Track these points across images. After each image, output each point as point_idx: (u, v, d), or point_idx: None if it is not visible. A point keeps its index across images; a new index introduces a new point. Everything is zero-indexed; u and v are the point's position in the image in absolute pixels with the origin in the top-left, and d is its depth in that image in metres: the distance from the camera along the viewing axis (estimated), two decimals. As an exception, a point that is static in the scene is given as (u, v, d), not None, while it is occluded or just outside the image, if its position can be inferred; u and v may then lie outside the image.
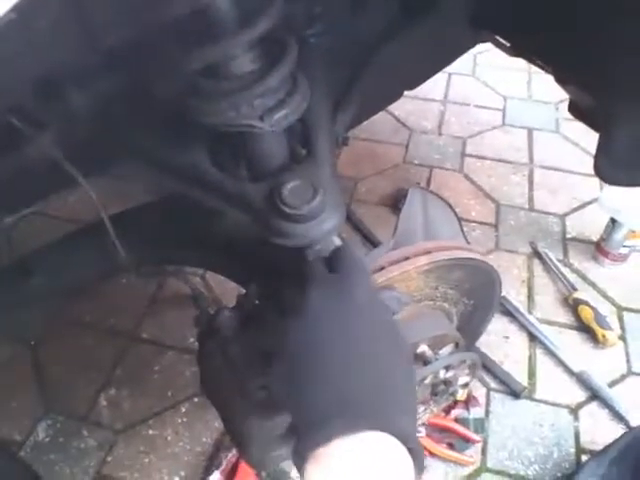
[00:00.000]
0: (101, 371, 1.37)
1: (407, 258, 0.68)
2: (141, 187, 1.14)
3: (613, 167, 1.01)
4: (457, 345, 0.79)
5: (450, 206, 0.85)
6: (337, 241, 0.76)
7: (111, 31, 0.71)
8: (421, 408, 0.85)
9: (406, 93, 1.45)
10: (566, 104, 2.01)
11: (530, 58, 1.17)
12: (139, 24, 0.70)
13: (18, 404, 1.31)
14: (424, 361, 0.74)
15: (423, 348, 0.73)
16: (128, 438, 1.26)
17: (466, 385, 0.83)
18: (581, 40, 0.94)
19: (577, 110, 1.13)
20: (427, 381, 0.75)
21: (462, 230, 0.86)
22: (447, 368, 0.76)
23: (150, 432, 1.26)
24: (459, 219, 0.86)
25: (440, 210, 0.85)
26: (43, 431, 1.28)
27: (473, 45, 1.35)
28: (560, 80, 1.07)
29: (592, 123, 1.09)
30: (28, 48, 0.55)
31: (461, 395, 0.86)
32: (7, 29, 0.41)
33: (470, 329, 0.88)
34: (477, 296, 0.83)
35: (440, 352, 0.77)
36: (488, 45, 1.64)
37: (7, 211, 0.93)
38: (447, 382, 0.80)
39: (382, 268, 0.67)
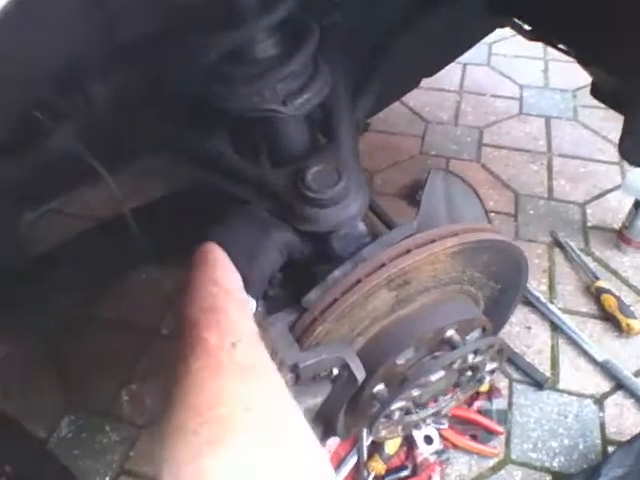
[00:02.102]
0: (122, 367, 1.37)
1: (434, 240, 0.67)
2: (159, 182, 1.14)
3: (638, 148, 0.99)
4: (484, 330, 0.78)
5: (473, 188, 0.84)
6: (362, 226, 0.75)
7: (131, 20, 0.71)
8: (448, 395, 0.84)
9: (421, 84, 1.44)
10: (584, 91, 2.01)
11: (550, 41, 1.14)
12: (159, 11, 0.69)
13: (41, 400, 1.32)
14: (452, 346, 0.73)
15: (451, 332, 0.72)
16: (150, 433, 1.26)
17: (493, 371, 0.82)
18: (606, 21, 0.92)
19: (600, 93, 1.11)
20: (455, 366, 0.74)
21: (486, 213, 0.85)
22: (475, 353, 0.75)
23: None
24: (482, 201, 0.85)
25: (463, 192, 0.84)
26: (66, 427, 1.28)
27: (492, 30, 1.33)
28: (583, 62, 1.05)
29: (615, 105, 1.07)
30: (49, 39, 0.54)
31: (488, 382, 0.85)
32: (27, 20, 0.41)
33: (497, 314, 0.87)
34: (504, 279, 0.81)
35: (467, 337, 0.76)
36: (503, 34, 1.63)
37: (29, 206, 0.94)
38: (475, 368, 0.79)
39: (409, 251, 0.66)
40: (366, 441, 1.16)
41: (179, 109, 0.84)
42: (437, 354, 0.75)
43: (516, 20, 1.20)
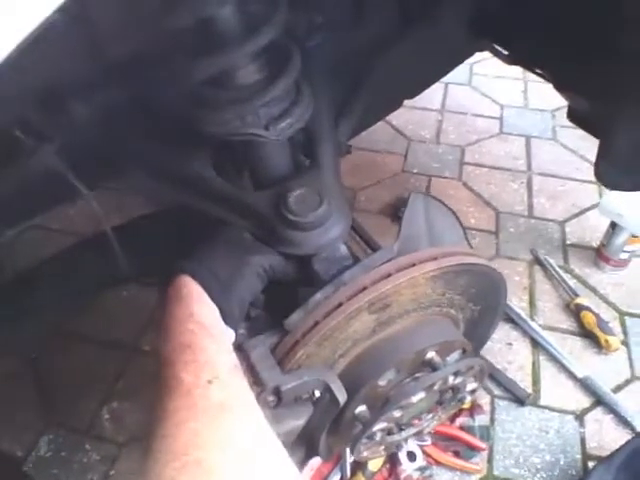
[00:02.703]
0: (103, 384, 1.35)
1: (414, 264, 0.68)
2: (142, 199, 1.14)
3: (614, 172, 1.02)
4: (464, 351, 0.79)
5: (452, 211, 0.86)
6: (343, 249, 0.76)
7: (115, 42, 0.71)
8: (429, 415, 0.85)
9: (404, 103, 1.47)
10: (562, 112, 2.05)
11: (528, 66, 1.17)
12: (144, 35, 0.70)
13: (19, 419, 1.30)
14: (432, 367, 0.74)
15: (431, 354, 0.73)
16: (131, 451, 1.25)
17: (474, 391, 0.83)
18: (581, 47, 0.95)
19: (576, 117, 1.13)
20: (436, 387, 0.75)
21: (465, 236, 0.86)
22: (456, 374, 0.76)
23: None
24: (462, 224, 0.86)
25: (442, 215, 0.85)
26: (45, 445, 1.26)
27: (471, 54, 1.36)
28: (559, 87, 1.08)
29: (591, 129, 1.10)
30: (33, 58, 0.55)
31: (468, 402, 0.85)
32: None
33: (476, 335, 0.88)
34: (483, 301, 0.83)
35: (448, 359, 0.77)
36: (484, 55, 1.66)
37: (9, 224, 0.93)
38: (455, 388, 0.79)
39: (389, 275, 0.67)
40: (349, 459, 1.16)
41: (162, 129, 0.84)
42: (418, 375, 0.76)
43: (495, 45, 1.23)
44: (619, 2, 0.82)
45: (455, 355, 0.78)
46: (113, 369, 1.38)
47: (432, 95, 2.15)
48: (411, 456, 1.20)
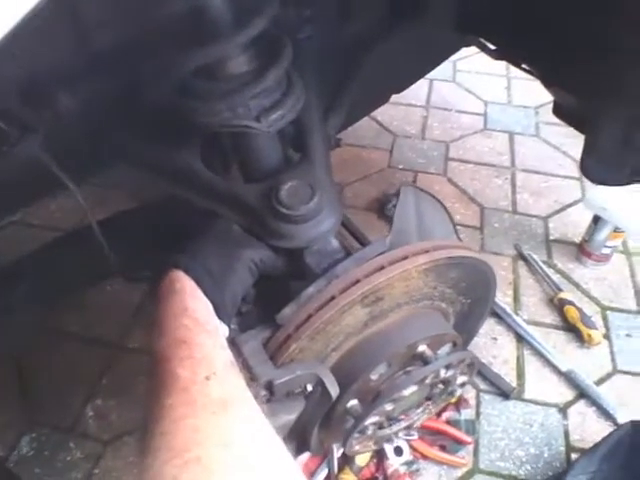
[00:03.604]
0: (87, 382, 1.33)
1: (406, 257, 0.68)
2: (125, 194, 1.13)
3: (599, 167, 1.03)
4: (455, 344, 0.79)
5: (442, 205, 0.86)
6: (335, 242, 0.75)
7: (103, 31, 0.70)
8: (420, 409, 0.85)
9: (389, 99, 1.46)
10: (546, 108, 2.08)
11: (515, 61, 1.18)
12: (132, 24, 0.69)
13: (1, 417, 1.27)
14: (424, 360, 0.74)
15: (423, 348, 0.73)
16: (116, 449, 1.23)
17: (464, 384, 0.83)
18: (566, 42, 0.96)
19: (561, 112, 1.14)
20: (428, 381, 0.75)
21: (455, 229, 0.86)
22: (447, 367, 0.76)
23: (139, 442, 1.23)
24: (452, 217, 0.87)
25: (432, 209, 0.86)
26: (27, 445, 1.24)
27: (458, 49, 1.37)
28: (545, 82, 1.09)
29: (576, 125, 1.11)
30: (17, 47, 0.53)
31: (457, 395, 0.86)
32: None
33: (466, 328, 0.89)
34: (473, 294, 0.83)
35: (438, 352, 0.77)
36: (468, 51, 1.67)
37: (-10, 218, 0.90)
38: (446, 381, 0.80)
39: (382, 267, 0.67)
40: (336, 453, 1.16)
41: (150, 122, 0.83)
42: (409, 369, 0.76)
43: (481, 39, 1.24)
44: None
45: (446, 348, 0.78)
46: (97, 366, 1.36)
47: (417, 91, 2.15)
48: (398, 450, 1.20)
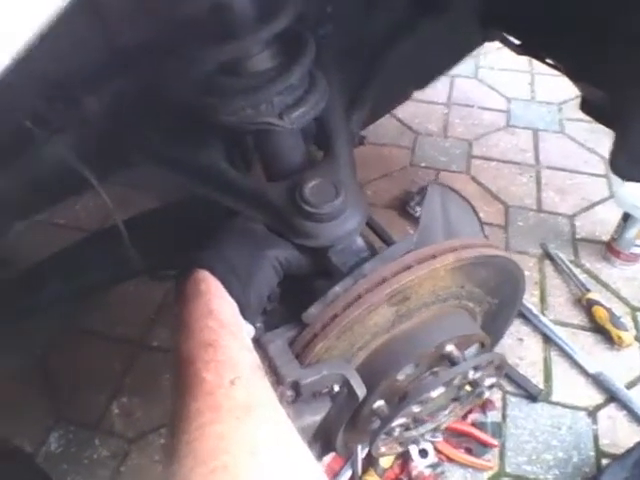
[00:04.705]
0: (112, 380, 1.34)
1: (434, 256, 0.67)
2: (148, 193, 1.13)
3: (630, 163, 1.00)
4: (483, 345, 0.78)
5: (469, 203, 0.84)
6: (360, 241, 0.74)
7: (128, 29, 0.70)
8: (446, 411, 0.83)
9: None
10: (569, 104, 2.04)
11: (540, 56, 1.16)
12: (156, 22, 0.69)
13: (29, 415, 1.29)
14: (451, 361, 0.72)
15: (450, 348, 0.72)
16: (141, 447, 1.24)
17: (492, 386, 0.81)
18: (595, 37, 0.93)
19: (589, 108, 1.12)
20: (455, 382, 0.74)
21: (482, 228, 0.85)
22: (475, 369, 0.74)
23: (162, 441, 1.24)
24: (479, 216, 0.85)
25: (459, 207, 0.84)
26: (55, 441, 1.25)
27: (481, 43, 1.34)
28: (573, 77, 1.06)
29: (605, 121, 1.08)
30: (42, 52, 0.53)
31: (486, 396, 0.84)
32: None
33: (493, 329, 0.87)
34: (501, 294, 0.81)
35: (466, 352, 0.76)
36: (489, 47, 1.65)
37: (18, 217, 0.92)
38: (474, 383, 0.78)
39: (410, 266, 0.65)
40: (361, 455, 1.15)
41: (173, 120, 0.83)
42: (436, 369, 0.74)
43: (505, 34, 1.21)
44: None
45: (473, 349, 0.77)
46: (121, 364, 1.37)
47: (438, 88, 2.13)
48: (423, 453, 1.18)
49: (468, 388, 0.79)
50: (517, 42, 1.19)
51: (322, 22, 0.90)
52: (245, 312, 0.63)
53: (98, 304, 1.44)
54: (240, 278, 0.65)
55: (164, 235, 0.96)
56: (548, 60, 1.14)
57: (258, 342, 0.65)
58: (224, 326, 0.57)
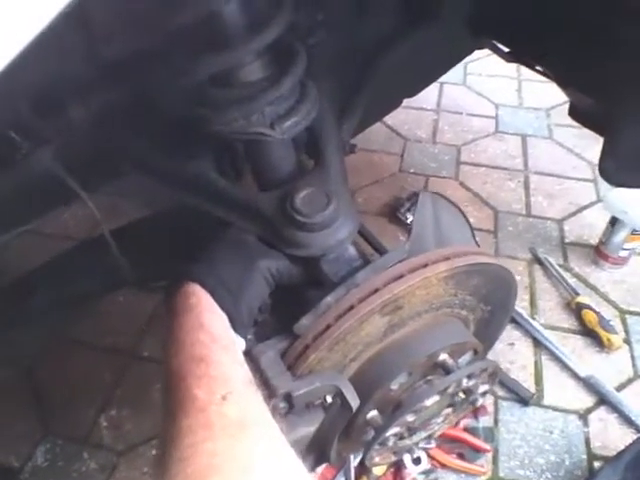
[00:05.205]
0: (101, 391, 1.33)
1: (426, 265, 0.67)
2: (137, 203, 1.12)
3: (618, 169, 1.01)
4: (476, 352, 0.78)
5: (460, 210, 0.84)
6: (352, 250, 0.74)
7: (114, 41, 0.69)
8: (440, 418, 0.83)
9: (400, 103, 1.45)
10: (557, 110, 2.06)
11: (529, 63, 1.17)
12: (144, 33, 0.68)
13: (15, 428, 1.27)
14: (445, 369, 0.72)
15: (444, 356, 0.72)
16: (130, 459, 1.22)
17: (485, 393, 0.81)
18: (583, 43, 0.94)
19: (578, 114, 1.13)
20: (449, 390, 0.74)
21: (473, 235, 0.85)
22: (469, 376, 0.74)
23: (153, 452, 1.22)
24: (470, 223, 0.85)
25: (451, 215, 0.84)
26: (42, 455, 1.23)
27: (471, 51, 1.35)
28: (562, 83, 1.07)
29: (594, 126, 1.09)
30: (28, 60, 0.52)
31: (480, 403, 0.84)
32: None
33: (486, 336, 0.87)
34: (494, 302, 0.81)
35: (459, 361, 0.76)
36: (478, 54, 1.66)
37: (4, 228, 0.90)
38: (467, 391, 0.78)
39: (402, 276, 0.65)
40: (353, 463, 1.14)
41: (163, 131, 0.82)
42: (430, 378, 0.74)
43: (494, 42, 1.22)
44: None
45: (466, 357, 0.77)
46: (111, 376, 1.36)
47: (427, 95, 2.14)
48: (416, 460, 1.18)
49: (462, 395, 0.79)
50: (506, 50, 1.20)
51: (313, 30, 0.90)
52: (236, 325, 0.62)
53: (88, 314, 1.42)
54: (231, 290, 0.64)
55: (153, 244, 0.95)
56: (537, 67, 1.15)
57: (249, 354, 0.65)
58: (215, 340, 0.57)
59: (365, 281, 0.66)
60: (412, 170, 1.90)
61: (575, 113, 1.14)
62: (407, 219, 1.67)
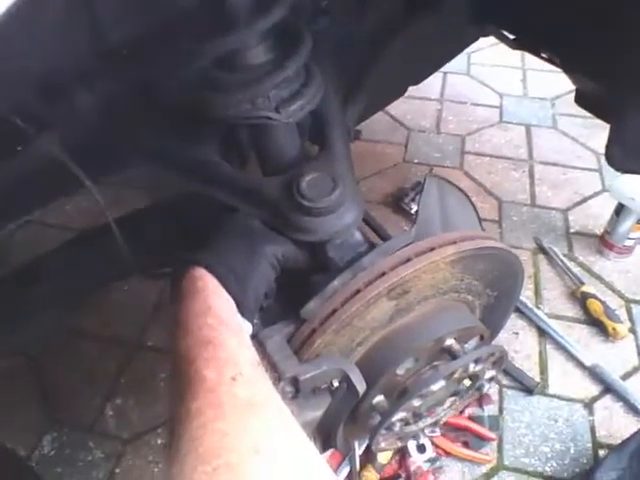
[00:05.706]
0: (106, 380, 1.33)
1: (433, 249, 0.66)
2: (141, 192, 1.12)
3: (625, 155, 1.01)
4: (482, 338, 0.77)
5: (467, 195, 0.84)
6: (358, 235, 0.74)
7: (120, 24, 0.69)
8: (446, 404, 0.83)
9: (402, 92, 1.44)
10: (562, 100, 2.05)
11: (535, 50, 1.15)
12: (149, 16, 0.68)
13: (22, 418, 1.27)
14: (451, 354, 0.72)
15: (450, 341, 0.72)
16: (136, 448, 1.23)
17: (492, 379, 0.81)
18: (591, 28, 0.93)
19: (584, 101, 1.12)
20: (456, 375, 0.73)
21: (480, 220, 0.84)
22: (476, 362, 0.74)
23: (159, 441, 1.23)
24: (476, 208, 0.85)
25: (457, 200, 0.84)
26: (48, 444, 1.24)
27: (476, 39, 1.34)
28: (568, 70, 1.06)
29: (600, 113, 1.09)
30: (32, 45, 0.52)
31: (487, 389, 0.84)
32: (11, 26, 0.38)
33: (492, 322, 0.87)
34: (500, 287, 0.81)
35: (466, 346, 0.76)
36: (482, 44, 1.65)
37: (7, 218, 0.90)
38: (474, 376, 0.78)
39: (409, 259, 0.65)
40: (358, 451, 1.14)
41: (168, 117, 0.82)
42: (436, 363, 0.74)
43: (500, 29, 1.21)
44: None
45: (473, 342, 0.76)
46: (116, 365, 1.36)
47: (431, 84, 2.13)
48: (421, 448, 1.18)
49: (468, 382, 0.79)
50: (512, 37, 1.19)
51: (317, 16, 0.89)
52: (243, 309, 0.62)
53: (92, 304, 1.42)
54: (237, 275, 0.64)
55: (157, 233, 0.95)
56: (543, 54, 1.14)
57: (256, 338, 0.65)
58: (223, 323, 0.56)
59: (372, 265, 0.66)
60: (416, 160, 1.90)
61: (581, 100, 1.12)
62: (411, 209, 1.67)
